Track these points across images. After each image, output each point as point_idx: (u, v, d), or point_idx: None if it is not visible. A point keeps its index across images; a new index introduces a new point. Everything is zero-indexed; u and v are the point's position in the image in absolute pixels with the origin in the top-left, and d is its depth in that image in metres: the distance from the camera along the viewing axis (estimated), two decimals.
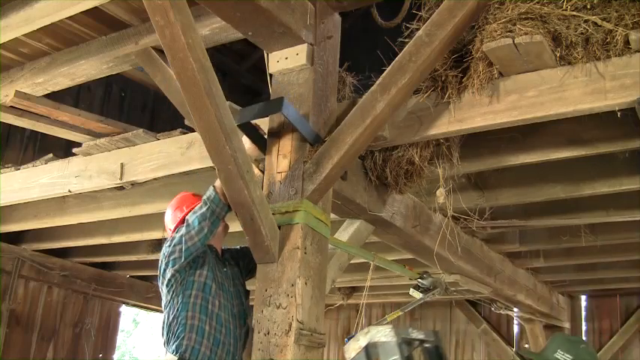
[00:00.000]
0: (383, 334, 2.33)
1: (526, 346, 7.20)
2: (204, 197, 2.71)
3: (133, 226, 4.98)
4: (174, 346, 2.70)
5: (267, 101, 2.72)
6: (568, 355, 2.29)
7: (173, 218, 3.00)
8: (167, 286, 2.80)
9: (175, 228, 2.92)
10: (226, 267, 2.96)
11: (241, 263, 3.09)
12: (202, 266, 2.82)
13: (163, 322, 2.81)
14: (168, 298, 2.80)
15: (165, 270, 2.79)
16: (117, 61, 3.61)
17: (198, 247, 2.74)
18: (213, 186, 2.70)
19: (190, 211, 2.84)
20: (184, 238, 2.71)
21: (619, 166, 3.41)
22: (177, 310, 2.75)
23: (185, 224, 2.74)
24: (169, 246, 2.78)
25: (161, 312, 2.94)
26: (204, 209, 2.68)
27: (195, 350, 2.68)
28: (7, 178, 4.43)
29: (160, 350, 2.83)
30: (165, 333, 2.78)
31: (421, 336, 2.49)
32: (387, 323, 2.39)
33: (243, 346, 2.90)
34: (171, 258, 2.76)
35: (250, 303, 2.83)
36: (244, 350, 2.90)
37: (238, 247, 3.22)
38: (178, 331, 2.71)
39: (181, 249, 2.72)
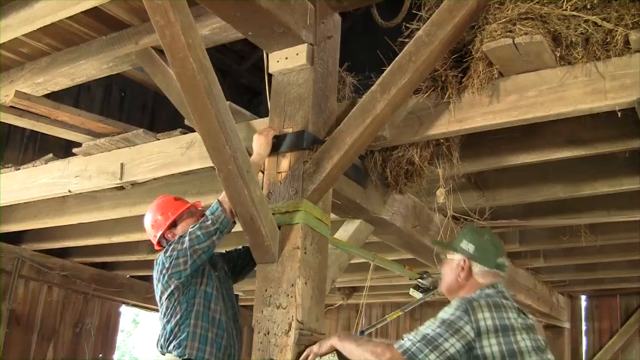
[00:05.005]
0: None
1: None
2: (212, 215, 2.69)
3: (132, 226, 4.96)
4: (175, 352, 2.70)
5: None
6: (471, 245, 2.40)
7: (157, 224, 2.97)
8: (169, 295, 2.77)
9: (163, 234, 2.91)
10: (217, 271, 2.97)
11: (227, 267, 3.08)
12: (202, 274, 2.82)
13: (164, 329, 2.78)
14: (169, 306, 2.78)
15: (166, 281, 2.76)
16: (117, 61, 3.61)
17: (204, 259, 2.76)
18: (221, 205, 2.68)
19: (177, 216, 2.88)
20: (189, 252, 2.70)
21: (619, 166, 3.41)
22: (182, 317, 2.74)
23: (189, 237, 2.71)
24: (170, 257, 2.74)
25: None
26: (211, 228, 2.68)
27: (199, 358, 2.68)
28: (7, 178, 4.42)
29: (155, 352, 2.81)
30: (165, 339, 2.76)
31: None
32: (334, 352, 2.40)
33: (241, 345, 2.92)
34: (175, 270, 2.73)
35: (249, 303, 2.82)
36: (241, 349, 2.92)
37: (224, 251, 3.22)
38: (181, 338, 2.71)
39: (186, 261, 2.71)
